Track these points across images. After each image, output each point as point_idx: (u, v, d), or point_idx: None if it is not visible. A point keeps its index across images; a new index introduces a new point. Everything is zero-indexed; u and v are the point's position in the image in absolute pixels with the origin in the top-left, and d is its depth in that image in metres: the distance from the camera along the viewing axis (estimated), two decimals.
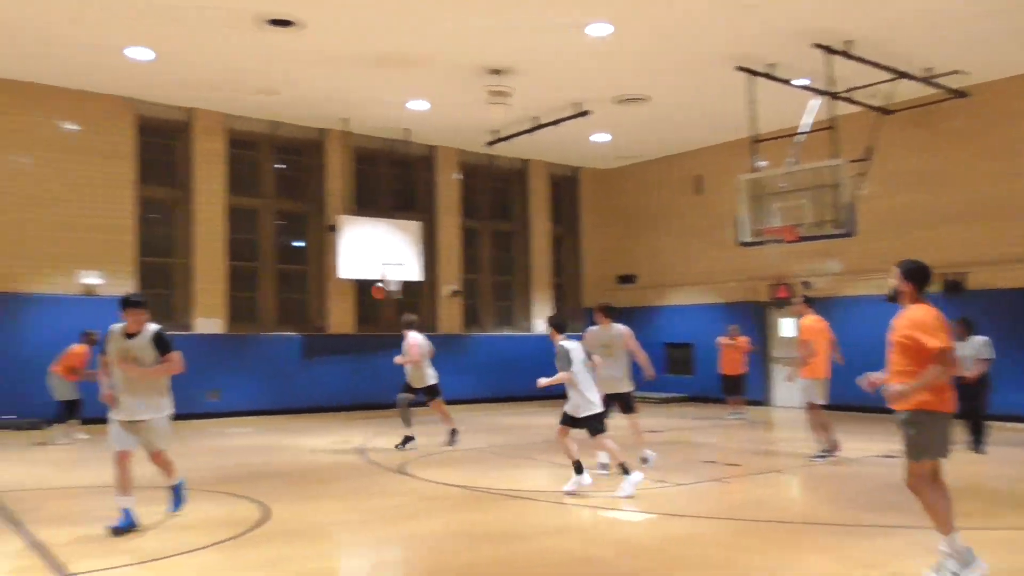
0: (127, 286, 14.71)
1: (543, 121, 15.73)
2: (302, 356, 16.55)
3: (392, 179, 18.52)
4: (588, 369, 8.01)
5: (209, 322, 15.60)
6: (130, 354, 6.51)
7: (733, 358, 15.34)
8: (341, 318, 17.20)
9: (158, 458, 6.80)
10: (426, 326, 18.27)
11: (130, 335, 6.55)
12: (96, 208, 14.49)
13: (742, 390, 15.40)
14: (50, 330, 13.44)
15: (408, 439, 11.14)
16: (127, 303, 6.66)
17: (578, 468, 7.83)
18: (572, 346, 7.97)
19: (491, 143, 17.40)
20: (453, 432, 11.53)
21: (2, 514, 7.07)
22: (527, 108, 15.08)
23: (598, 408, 7.90)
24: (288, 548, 6.04)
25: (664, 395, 18.25)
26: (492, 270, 19.94)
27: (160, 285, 15.63)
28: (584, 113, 15.16)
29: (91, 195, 14.46)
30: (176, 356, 6.67)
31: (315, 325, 17.12)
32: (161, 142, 15.71)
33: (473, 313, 19.15)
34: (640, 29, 11.72)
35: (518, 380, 15.22)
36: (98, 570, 5.43)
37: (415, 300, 18.30)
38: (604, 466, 8.72)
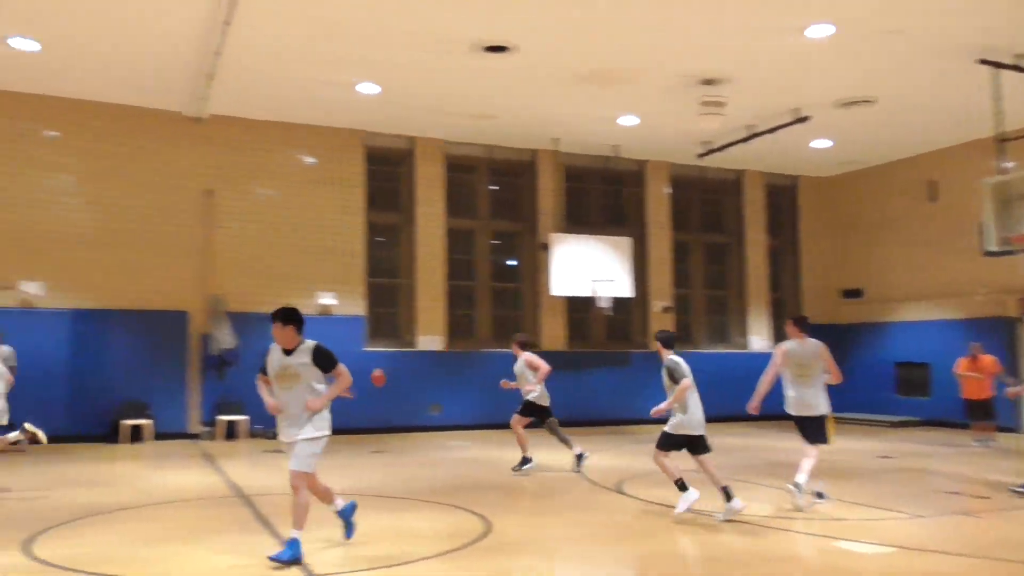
0: (358, 306, 15.81)
1: (759, 129, 15.19)
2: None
3: (602, 195, 18.60)
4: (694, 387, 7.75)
5: (430, 339, 16.36)
6: (289, 371, 6.17)
7: (978, 381, 13.88)
8: (553, 334, 17.44)
9: (297, 480, 6.09)
10: (637, 343, 18.18)
11: (288, 351, 6.23)
12: (331, 234, 15.70)
13: (990, 415, 13.91)
14: None
15: (580, 456, 10.64)
16: (274, 318, 6.28)
17: (681, 486, 7.58)
18: (681, 360, 7.78)
19: (703, 155, 17.04)
20: (524, 460, 10.72)
21: (254, 516, 7.75)
22: (741, 117, 14.63)
23: (701, 431, 7.65)
24: (513, 562, 6.16)
25: (895, 418, 16.91)
26: (705, 285, 19.47)
27: (386, 304, 16.66)
28: (803, 119, 14.48)
29: (327, 222, 15.69)
30: (343, 370, 6.30)
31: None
32: (386, 170, 16.76)
33: (685, 329, 18.77)
34: (865, 27, 11.02)
35: (734, 399, 14.72)
36: (338, 573, 5.79)
37: (626, 316, 18.24)
38: (820, 495, 8.15)
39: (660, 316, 18.21)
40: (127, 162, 14.48)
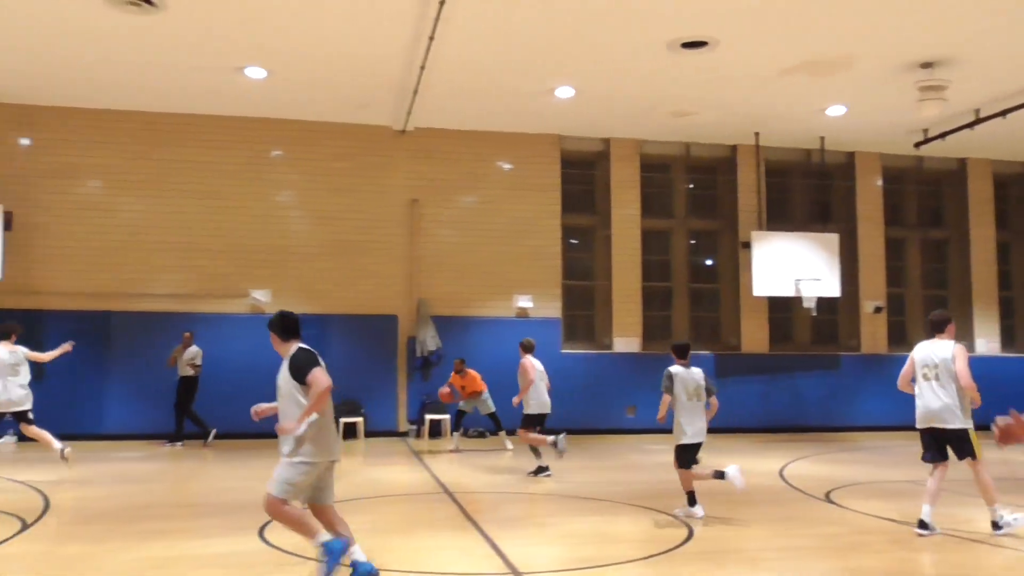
0: (555, 308, 16.02)
1: (985, 114, 13.88)
2: (715, 375, 16.44)
3: (806, 191, 17.71)
4: (695, 397, 7.92)
5: (626, 341, 16.27)
6: (278, 383, 5.33)
7: None
8: (754, 336, 16.83)
9: (267, 505, 5.18)
10: (846, 345, 17.16)
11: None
12: (528, 238, 16.01)
13: None
14: (494, 349, 15.18)
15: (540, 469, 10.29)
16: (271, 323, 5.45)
17: (691, 500, 7.76)
18: (677, 370, 8.04)
19: (920, 143, 15.81)
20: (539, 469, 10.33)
21: (461, 512, 8.03)
22: (965, 101, 13.47)
23: (693, 439, 7.78)
24: (718, 570, 5.98)
25: None
26: (922, 283, 18.05)
27: (582, 307, 16.76)
28: None
29: (524, 226, 16.01)
30: (318, 378, 5.16)
31: (728, 344, 16.97)
32: (581, 172, 16.86)
33: (899, 331, 17.47)
34: None
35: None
36: (543, 572, 5.88)
37: (833, 317, 17.27)
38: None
39: (872, 317, 17.09)
40: (342, 176, 15.51)
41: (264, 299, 14.89)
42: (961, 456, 7.08)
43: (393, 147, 15.72)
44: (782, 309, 17.00)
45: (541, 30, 11.20)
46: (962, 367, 7.02)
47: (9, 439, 13.48)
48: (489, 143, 16.04)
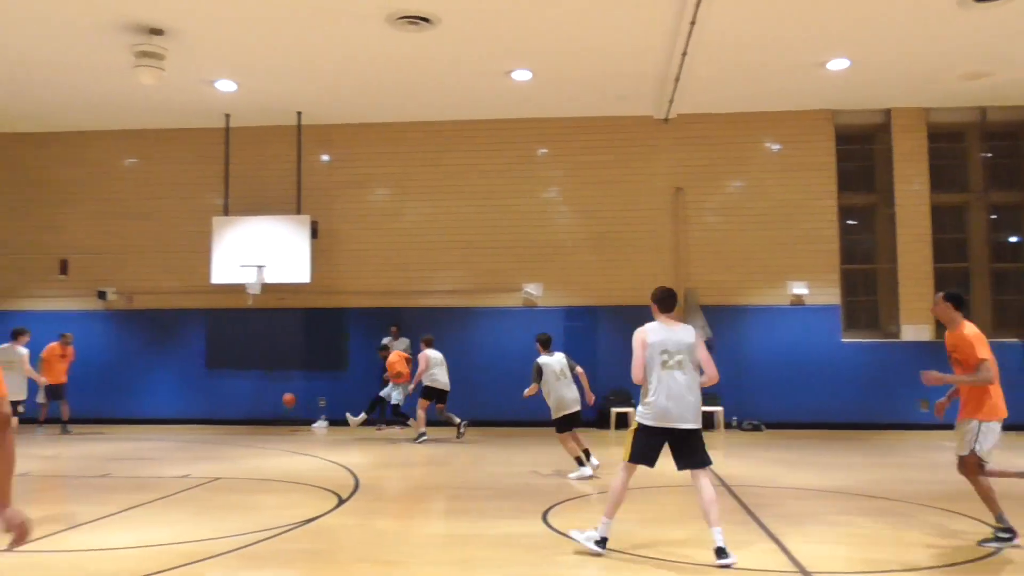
0: (832, 295, 15.12)
1: None
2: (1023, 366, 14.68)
3: None
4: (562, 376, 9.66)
5: (916, 328, 14.95)
6: None
7: None
8: None
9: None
10: None
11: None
12: (801, 221, 15.24)
13: None
14: (767, 337, 14.69)
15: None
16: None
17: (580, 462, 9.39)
18: (544, 360, 9.74)
19: None
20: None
21: (739, 506, 7.85)
22: None
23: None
24: None
25: None
26: None
27: (863, 292, 15.66)
28: None
29: (796, 209, 15.26)
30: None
31: None
32: (858, 148, 15.74)
33: None
34: None
35: None
36: (835, 572, 5.59)
37: None
38: None
39: None
40: (605, 169, 15.72)
41: (536, 292, 15.50)
42: None
43: (655, 136, 15.66)
44: None
45: (810, 1, 10.61)
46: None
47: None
48: (755, 124, 15.46)
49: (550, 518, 7.19)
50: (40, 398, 14.20)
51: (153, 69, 11.64)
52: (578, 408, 9.71)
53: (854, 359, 14.85)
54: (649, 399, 5.88)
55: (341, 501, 8.04)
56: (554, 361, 9.77)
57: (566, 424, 9.62)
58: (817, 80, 13.63)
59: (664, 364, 5.89)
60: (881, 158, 15.60)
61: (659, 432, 5.83)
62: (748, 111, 15.30)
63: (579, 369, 9.97)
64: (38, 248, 16.56)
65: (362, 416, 13.80)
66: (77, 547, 6.22)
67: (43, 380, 13.67)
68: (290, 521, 7.01)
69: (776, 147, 15.47)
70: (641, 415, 5.95)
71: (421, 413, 13.12)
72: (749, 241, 15.31)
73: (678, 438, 5.85)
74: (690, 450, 5.86)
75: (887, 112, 15.30)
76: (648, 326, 6.11)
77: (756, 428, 14.68)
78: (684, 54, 11.94)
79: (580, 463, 9.50)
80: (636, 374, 5.97)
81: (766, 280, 15.20)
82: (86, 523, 7.03)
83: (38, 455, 11.51)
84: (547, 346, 9.99)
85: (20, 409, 11.84)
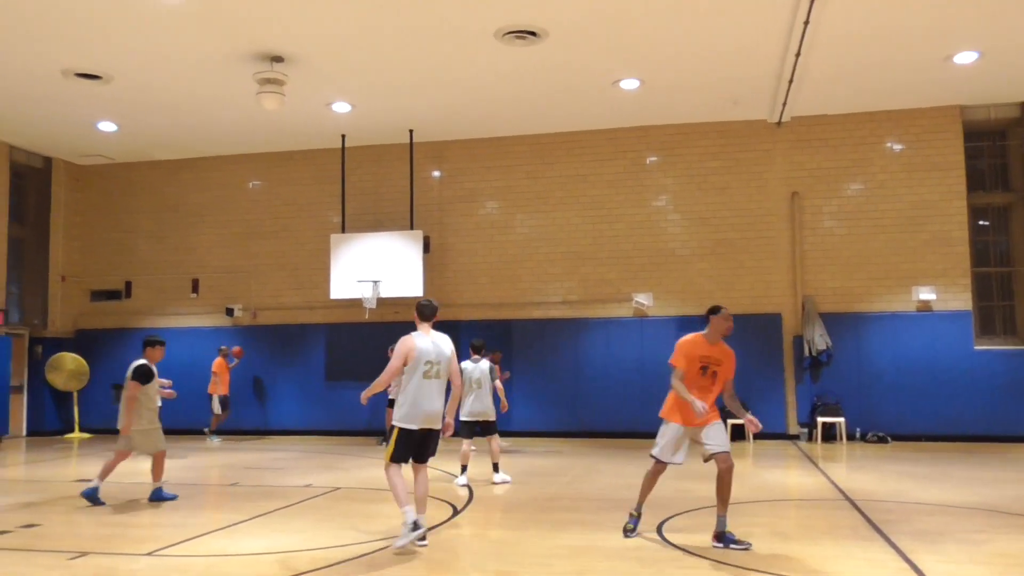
0: (962, 300, 14.35)
1: None
2: None
3: None
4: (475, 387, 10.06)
5: None
6: None
7: None
8: None
9: None
10: None
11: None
12: (927, 223, 14.56)
13: None
14: (892, 345, 14.06)
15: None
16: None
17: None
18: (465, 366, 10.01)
19: None
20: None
21: (864, 521, 7.51)
22: None
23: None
24: None
25: None
26: None
27: (999, 297, 14.80)
28: None
29: (921, 211, 14.59)
30: None
31: None
32: (990, 145, 14.91)
33: None
34: None
35: None
36: None
37: None
38: None
39: None
40: (716, 175, 15.44)
41: (647, 302, 15.34)
42: None
43: (769, 140, 15.28)
44: None
45: None
46: None
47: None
48: (875, 124, 14.86)
49: (665, 531, 7.08)
50: (216, 409, 15.17)
51: (275, 95, 12.21)
52: (487, 419, 10.16)
53: (988, 367, 14.02)
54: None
55: (456, 512, 8.16)
56: (475, 369, 10.21)
57: (468, 431, 10.06)
58: (943, 75, 13.00)
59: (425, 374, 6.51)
60: (1016, 155, 14.72)
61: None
62: (867, 110, 14.74)
63: (499, 384, 11.41)
64: (173, 269, 17.59)
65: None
66: (211, 552, 6.54)
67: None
68: None
69: (899, 147, 14.82)
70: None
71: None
72: (871, 245, 14.71)
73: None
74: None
75: (1022, 106, 14.43)
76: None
77: (882, 440, 14.05)
78: (798, 54, 11.62)
79: (463, 470, 9.90)
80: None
81: (890, 286, 14.56)
82: (219, 529, 7.38)
83: (178, 464, 12.18)
84: (479, 351, 10.42)
85: None
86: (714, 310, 6.65)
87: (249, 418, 16.58)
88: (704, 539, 6.64)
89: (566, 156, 16.04)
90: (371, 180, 16.72)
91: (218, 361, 15.80)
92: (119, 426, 8.71)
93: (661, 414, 6.77)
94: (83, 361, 16.90)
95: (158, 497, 8.76)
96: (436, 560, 6.27)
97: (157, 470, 8.87)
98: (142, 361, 8.84)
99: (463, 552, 6.59)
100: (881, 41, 11.69)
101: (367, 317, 15.66)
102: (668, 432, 6.71)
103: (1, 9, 10.36)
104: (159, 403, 9.07)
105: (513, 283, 16.03)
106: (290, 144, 16.80)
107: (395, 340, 6.90)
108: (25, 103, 14.02)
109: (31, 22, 10.75)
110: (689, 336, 6.69)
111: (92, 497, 8.54)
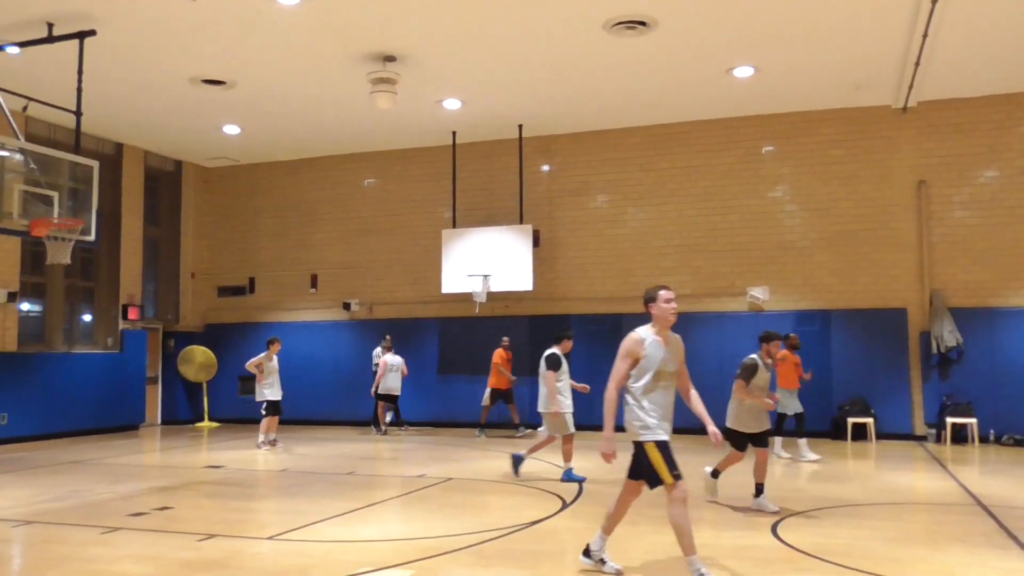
0: None
1: None
2: None
3: None
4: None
5: None
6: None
7: None
8: None
9: None
10: None
11: None
12: None
13: None
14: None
15: None
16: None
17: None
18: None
19: None
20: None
21: (998, 528, 7.07)
22: None
23: None
24: None
25: None
26: None
27: None
28: None
29: None
30: None
31: None
32: None
33: None
34: None
35: None
36: None
37: None
38: None
39: None
40: (837, 163, 14.82)
41: (762, 296, 14.90)
42: None
43: (894, 126, 14.56)
44: None
45: None
46: None
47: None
48: (1010, 107, 13.93)
49: (780, 531, 6.86)
50: (485, 401, 15.19)
51: (388, 94, 12.49)
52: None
53: None
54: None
55: (565, 504, 8.15)
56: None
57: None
58: None
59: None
60: None
61: None
62: (1002, 93, 13.83)
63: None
64: (293, 265, 18.29)
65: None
66: (330, 538, 6.77)
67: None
68: (517, 522, 7.21)
69: None
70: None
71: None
72: (1006, 236, 13.81)
73: None
74: None
75: None
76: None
77: (1019, 443, 13.19)
78: (925, 35, 11.01)
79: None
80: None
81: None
82: (335, 516, 7.63)
83: (300, 453, 12.66)
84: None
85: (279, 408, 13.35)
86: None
87: (364, 409, 17.02)
88: (820, 540, 6.41)
89: (678, 147, 15.74)
90: (481, 176, 16.89)
91: (498, 352, 14.99)
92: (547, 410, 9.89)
93: None
94: (211, 354, 17.78)
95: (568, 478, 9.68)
96: (544, 552, 6.29)
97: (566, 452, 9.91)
98: (554, 350, 9.92)
99: (572, 545, 6.57)
100: (1016, 17, 10.92)
101: (477, 311, 15.84)
102: None
103: (134, 26, 10.99)
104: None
105: (625, 277, 15.87)
106: (403, 142, 17.17)
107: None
108: (157, 111, 14.84)
109: (160, 36, 11.36)
110: None
111: (573, 478, 9.60)
